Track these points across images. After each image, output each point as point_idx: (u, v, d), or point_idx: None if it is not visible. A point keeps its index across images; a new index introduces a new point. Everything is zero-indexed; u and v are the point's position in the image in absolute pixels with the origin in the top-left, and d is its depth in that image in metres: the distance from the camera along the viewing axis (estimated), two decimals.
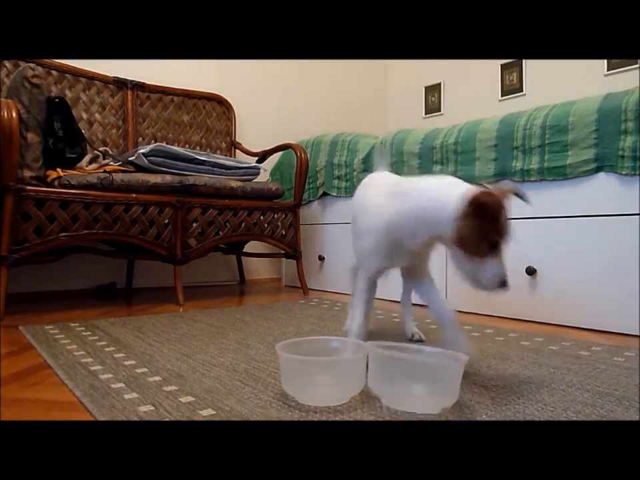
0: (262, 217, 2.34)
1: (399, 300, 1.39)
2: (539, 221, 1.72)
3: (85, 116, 2.37)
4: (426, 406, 0.84)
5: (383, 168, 1.36)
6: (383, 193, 1.10)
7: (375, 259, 1.09)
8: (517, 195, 1.01)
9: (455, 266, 0.98)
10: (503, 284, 0.93)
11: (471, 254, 0.93)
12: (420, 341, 1.36)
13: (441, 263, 2.00)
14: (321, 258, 2.62)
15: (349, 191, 2.46)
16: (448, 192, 0.95)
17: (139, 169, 2.07)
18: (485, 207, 0.89)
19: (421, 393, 0.84)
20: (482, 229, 0.91)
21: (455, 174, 1.97)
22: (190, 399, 0.89)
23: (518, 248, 1.78)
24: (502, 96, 3.07)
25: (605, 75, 2.58)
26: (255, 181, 2.41)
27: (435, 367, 0.86)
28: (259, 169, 2.45)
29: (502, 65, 3.06)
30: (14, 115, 1.61)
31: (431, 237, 1.00)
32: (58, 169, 1.83)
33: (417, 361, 0.86)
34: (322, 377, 0.88)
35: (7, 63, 2.13)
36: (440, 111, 3.45)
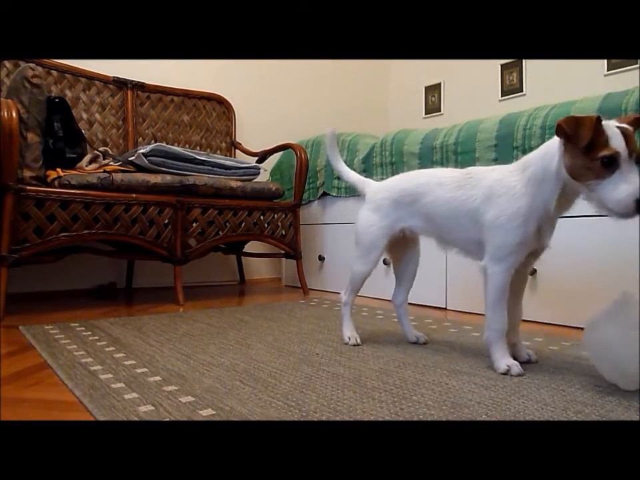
0: (262, 217, 2.34)
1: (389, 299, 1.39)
2: None
3: (85, 116, 2.37)
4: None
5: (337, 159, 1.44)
6: (503, 180, 1.07)
7: (522, 248, 1.05)
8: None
9: (595, 207, 0.95)
10: (638, 205, 0.84)
11: (586, 179, 0.89)
12: (424, 343, 1.34)
13: (441, 263, 2.00)
14: (321, 258, 2.62)
15: (349, 191, 2.46)
16: (547, 145, 0.98)
17: (139, 169, 2.07)
18: (569, 125, 0.87)
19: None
20: (581, 149, 0.88)
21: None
22: (190, 398, 0.89)
23: None
24: (502, 96, 3.07)
25: (605, 75, 2.58)
26: (254, 181, 2.41)
27: None
28: (259, 169, 2.45)
29: (502, 65, 3.06)
30: (14, 115, 1.61)
31: (563, 186, 0.99)
32: (58, 169, 1.83)
33: None
34: None
35: (7, 63, 2.13)
36: (440, 110, 3.45)
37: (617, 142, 0.86)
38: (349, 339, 1.33)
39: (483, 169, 1.15)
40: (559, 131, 0.89)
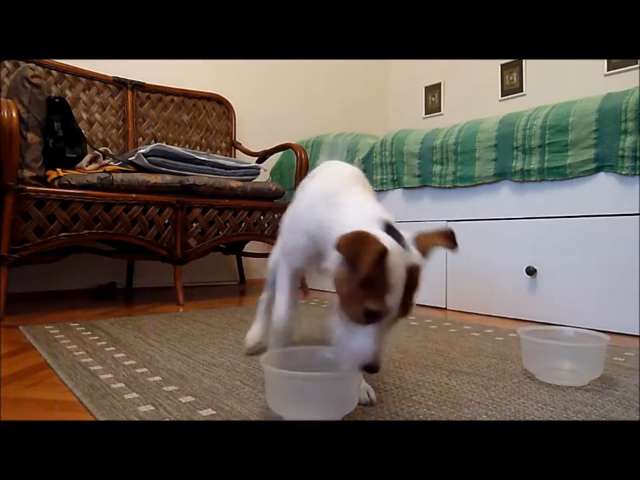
0: (262, 217, 2.34)
1: None
2: (539, 221, 1.72)
3: (85, 116, 2.37)
4: (574, 380, 0.98)
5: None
6: (309, 187, 0.96)
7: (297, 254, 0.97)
8: (446, 243, 0.76)
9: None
10: (366, 367, 0.70)
11: (344, 307, 0.70)
12: None
13: (441, 263, 2.00)
14: None
15: None
16: (341, 212, 0.78)
17: (139, 169, 2.07)
18: (358, 257, 0.64)
19: (569, 369, 0.99)
20: (355, 286, 0.67)
21: (454, 173, 1.97)
22: (190, 398, 0.89)
23: (518, 248, 1.78)
24: (502, 96, 3.07)
25: (605, 75, 2.58)
26: (254, 180, 2.41)
27: (580, 347, 1.00)
28: (259, 168, 2.45)
29: (502, 65, 3.06)
30: (14, 115, 1.61)
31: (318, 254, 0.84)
32: (58, 169, 1.83)
33: (564, 343, 1.01)
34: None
35: (7, 63, 2.13)
36: (440, 110, 3.45)
37: (393, 296, 0.67)
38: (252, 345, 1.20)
39: (326, 164, 1.01)
40: (341, 246, 0.66)
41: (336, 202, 0.81)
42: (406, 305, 0.69)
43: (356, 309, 0.68)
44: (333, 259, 0.71)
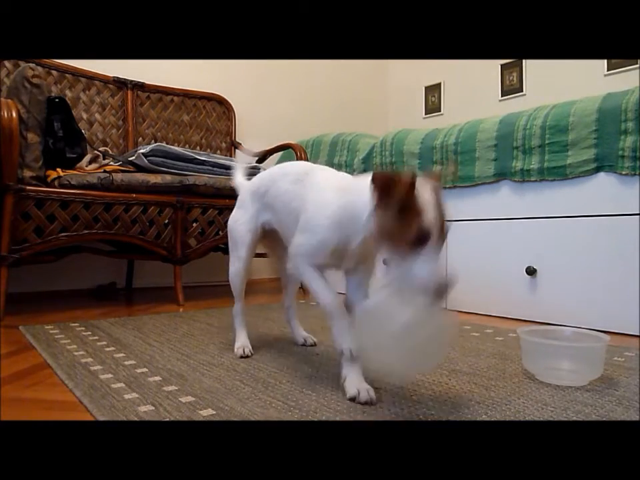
0: None
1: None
2: (539, 221, 1.72)
3: (85, 116, 2.37)
4: (574, 380, 0.99)
5: None
6: (323, 191, 1.00)
7: (320, 253, 0.98)
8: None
9: (387, 276, 0.83)
10: (438, 290, 0.77)
11: (393, 247, 0.78)
12: (313, 345, 1.33)
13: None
14: None
15: None
16: (363, 184, 0.84)
17: (139, 169, 2.06)
18: (392, 187, 0.76)
19: (569, 369, 1.00)
20: (399, 215, 0.76)
21: (454, 174, 1.97)
22: (190, 398, 0.89)
23: (518, 248, 1.78)
24: (502, 96, 3.07)
25: (605, 75, 2.58)
26: None
27: (580, 347, 1.01)
28: (259, 169, 2.44)
29: (502, 65, 3.06)
30: (14, 115, 1.61)
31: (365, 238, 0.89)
32: (58, 169, 1.83)
33: (564, 343, 1.02)
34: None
35: (7, 63, 2.13)
36: (440, 111, 3.45)
37: (432, 214, 0.77)
38: (243, 350, 1.23)
39: (319, 168, 1.08)
40: (377, 183, 0.78)
41: (351, 192, 0.92)
42: (442, 225, 0.78)
43: (406, 236, 0.76)
44: (368, 215, 0.83)
